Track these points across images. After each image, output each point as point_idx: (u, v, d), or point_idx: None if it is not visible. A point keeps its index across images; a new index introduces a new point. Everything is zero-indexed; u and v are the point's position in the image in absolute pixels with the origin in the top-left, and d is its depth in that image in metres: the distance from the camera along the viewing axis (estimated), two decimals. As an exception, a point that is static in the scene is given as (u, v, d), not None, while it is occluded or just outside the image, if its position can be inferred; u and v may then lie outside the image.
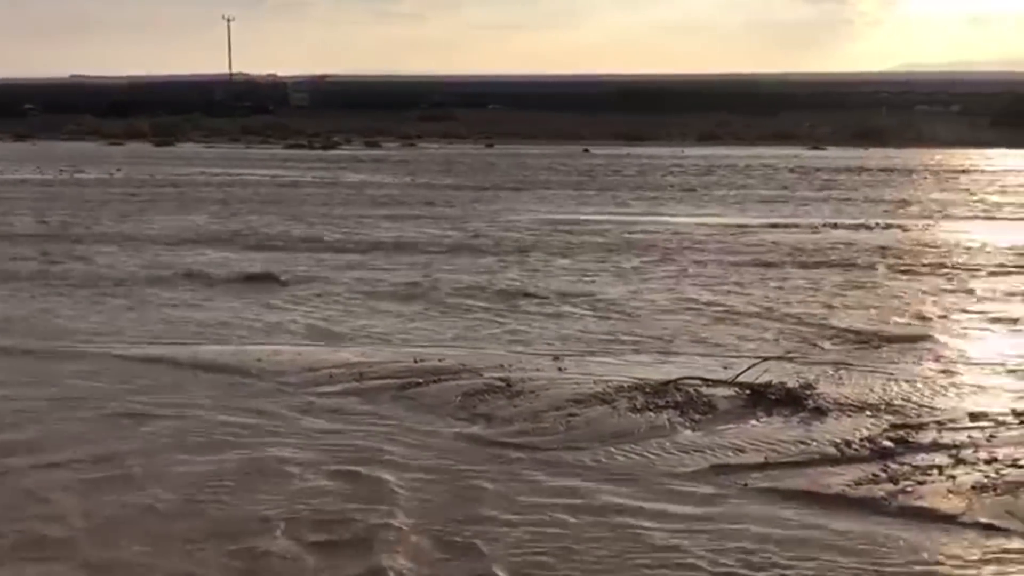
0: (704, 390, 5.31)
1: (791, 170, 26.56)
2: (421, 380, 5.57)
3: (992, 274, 9.45)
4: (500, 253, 10.81)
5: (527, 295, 8.27)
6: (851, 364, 5.98)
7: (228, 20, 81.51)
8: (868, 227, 13.37)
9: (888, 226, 13.48)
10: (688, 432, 4.77)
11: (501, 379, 5.54)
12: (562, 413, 5.00)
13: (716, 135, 47.06)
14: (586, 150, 37.42)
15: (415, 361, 5.95)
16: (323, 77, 69.46)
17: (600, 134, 46.61)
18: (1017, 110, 51.14)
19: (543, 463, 4.37)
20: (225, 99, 63.68)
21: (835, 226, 13.45)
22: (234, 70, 76.85)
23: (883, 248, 11.21)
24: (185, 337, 6.75)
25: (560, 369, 5.82)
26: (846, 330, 6.96)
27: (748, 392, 5.26)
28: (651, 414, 4.98)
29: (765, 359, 5.83)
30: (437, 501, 3.92)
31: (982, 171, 26.86)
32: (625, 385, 5.39)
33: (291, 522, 3.72)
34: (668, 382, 5.40)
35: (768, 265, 9.99)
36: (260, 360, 6.03)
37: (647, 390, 5.30)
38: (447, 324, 7.23)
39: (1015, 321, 7.34)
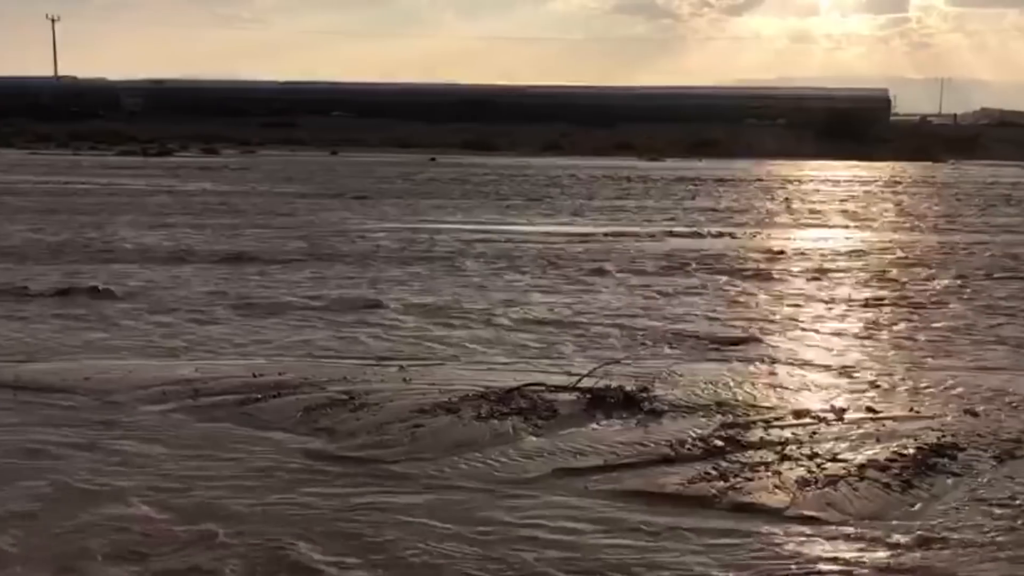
0: (547, 395, 5.39)
1: (630, 180, 27.42)
2: (260, 395, 5.41)
3: (815, 279, 10.03)
4: (345, 263, 10.67)
5: (372, 305, 8.18)
6: (685, 366, 6.21)
7: (53, 20, 77.22)
8: (701, 235, 13.97)
9: (720, 234, 14.11)
10: (532, 438, 4.83)
11: (344, 392, 5.46)
12: (407, 424, 4.96)
13: (560, 145, 48.12)
14: (433, 159, 37.49)
15: (254, 375, 5.78)
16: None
17: (447, 143, 46.77)
18: (836, 124, 54.78)
19: (385, 475, 4.33)
20: (51, 103, 60.25)
21: (671, 234, 13.98)
22: (60, 73, 72.86)
23: (715, 255, 11.73)
24: (2, 355, 6.32)
25: (405, 380, 5.78)
26: (681, 334, 7.23)
27: (589, 396, 5.38)
28: (495, 422, 5.01)
29: (605, 363, 5.98)
30: (270, 519, 3.81)
31: (807, 181, 28.50)
32: (470, 394, 5.41)
33: (104, 549, 3.53)
34: (512, 389, 5.46)
35: (607, 272, 10.27)
36: (88, 379, 5.72)
37: (492, 398, 5.34)
38: (289, 336, 7.06)
39: (836, 322, 7.81)
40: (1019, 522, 3.84)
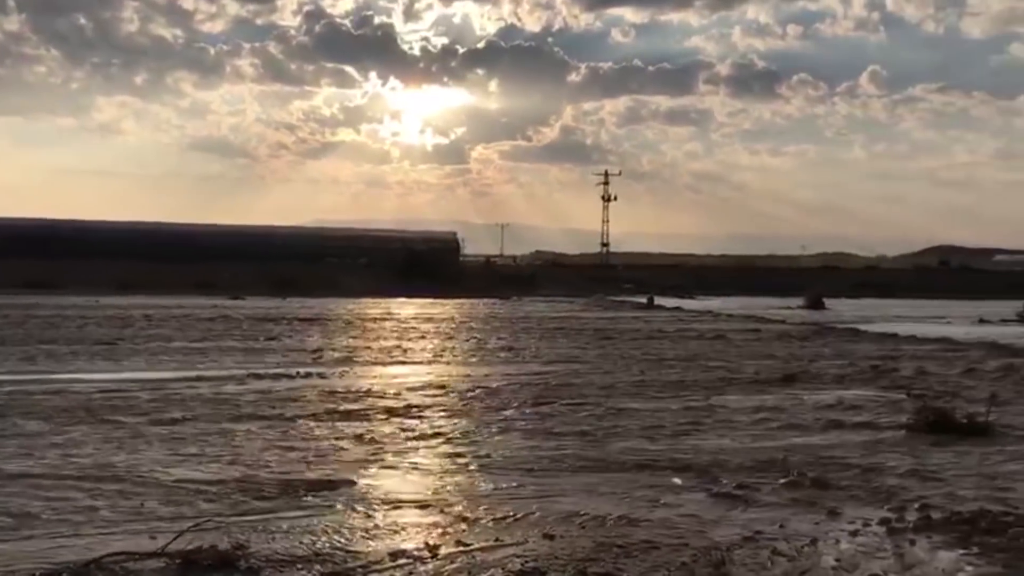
0: (131, 565, 4.97)
1: (212, 319, 26.64)
2: None
3: (400, 415, 10.39)
4: None
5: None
6: (280, 516, 6.07)
7: None
8: (290, 376, 13.90)
9: (308, 374, 14.15)
10: (113, 616, 4.39)
11: None
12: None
13: (134, 283, 45.65)
14: (-18, 299, 33.52)
15: None
16: None
17: (1, 282, 42.21)
18: (413, 263, 58.44)
19: None
20: None
21: (258, 376, 13.73)
22: None
23: (303, 396, 11.71)
24: None
25: (-49, 563, 4.99)
26: (273, 482, 7.07)
27: (179, 561, 5.04)
28: (69, 602, 4.50)
29: (197, 521, 5.66)
30: None
31: (388, 318, 29.72)
32: (37, 573, 4.81)
33: None
34: (90, 562, 4.95)
35: (185, 420, 9.77)
36: None
37: (65, 575, 4.79)
38: None
39: (423, 458, 8.13)
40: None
